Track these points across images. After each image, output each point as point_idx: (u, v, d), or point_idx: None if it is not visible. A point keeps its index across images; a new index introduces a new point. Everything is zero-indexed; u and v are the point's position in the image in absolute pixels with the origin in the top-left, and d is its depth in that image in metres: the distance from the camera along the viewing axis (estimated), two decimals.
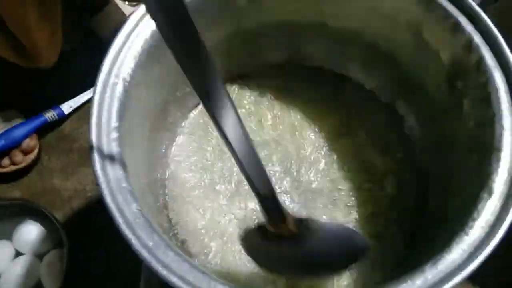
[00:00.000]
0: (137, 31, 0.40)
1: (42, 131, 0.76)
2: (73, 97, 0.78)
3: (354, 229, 0.49)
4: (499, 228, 0.31)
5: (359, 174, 0.53)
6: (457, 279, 0.29)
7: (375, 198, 0.51)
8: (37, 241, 0.64)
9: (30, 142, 0.73)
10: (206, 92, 0.32)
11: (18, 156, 0.72)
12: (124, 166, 0.35)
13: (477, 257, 0.30)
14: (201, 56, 0.30)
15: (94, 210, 0.72)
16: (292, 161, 0.54)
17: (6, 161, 0.72)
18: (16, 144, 0.71)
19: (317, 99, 0.57)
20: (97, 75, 0.38)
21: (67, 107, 0.77)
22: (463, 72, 0.41)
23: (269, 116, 0.56)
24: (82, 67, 0.81)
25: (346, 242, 0.41)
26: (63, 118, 0.77)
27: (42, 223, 0.65)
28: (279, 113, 0.57)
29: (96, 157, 0.34)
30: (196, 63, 0.30)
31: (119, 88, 0.38)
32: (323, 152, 0.54)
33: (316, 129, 0.56)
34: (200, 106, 0.57)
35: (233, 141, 0.33)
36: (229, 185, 0.53)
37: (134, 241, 0.31)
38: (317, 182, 0.52)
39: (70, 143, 0.78)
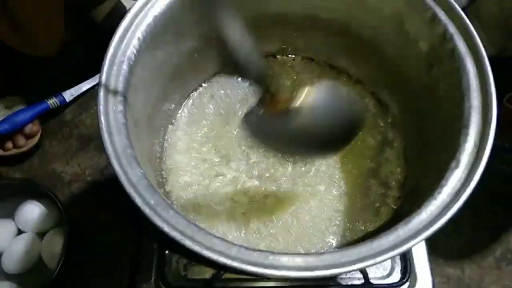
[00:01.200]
0: (140, 16, 0.44)
1: (44, 117, 0.79)
2: (75, 85, 0.82)
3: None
4: (463, 194, 0.35)
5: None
6: (424, 235, 0.33)
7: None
8: (39, 220, 0.66)
9: (33, 127, 0.76)
10: None
11: (20, 140, 0.75)
12: (128, 135, 0.38)
13: (442, 217, 0.34)
14: None
15: (93, 193, 0.75)
16: None
17: (9, 144, 0.74)
18: (19, 129, 0.74)
19: None
20: (99, 63, 0.41)
21: (69, 95, 0.80)
22: (439, 59, 0.45)
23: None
24: (84, 57, 0.85)
25: (344, 113, 0.43)
26: (64, 105, 0.80)
27: (43, 203, 0.67)
28: None
29: (103, 126, 0.37)
30: None
31: (124, 67, 0.42)
32: None
33: None
34: (195, 95, 0.61)
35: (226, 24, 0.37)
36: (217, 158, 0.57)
37: (137, 199, 0.34)
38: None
39: (71, 129, 0.81)
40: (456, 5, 0.43)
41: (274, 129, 0.43)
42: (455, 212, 0.34)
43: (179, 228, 0.34)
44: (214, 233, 0.34)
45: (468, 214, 0.73)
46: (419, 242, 0.33)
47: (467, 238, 0.71)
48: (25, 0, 0.60)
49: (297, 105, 0.41)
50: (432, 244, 0.68)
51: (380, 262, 0.32)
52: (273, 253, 0.33)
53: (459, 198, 0.34)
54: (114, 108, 0.39)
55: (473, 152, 0.37)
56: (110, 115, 0.39)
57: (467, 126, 0.38)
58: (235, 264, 0.32)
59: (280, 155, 0.54)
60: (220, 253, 0.33)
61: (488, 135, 0.37)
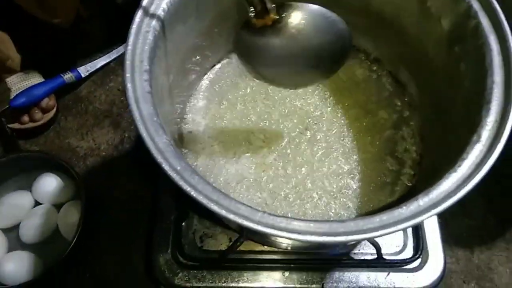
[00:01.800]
0: None
1: (60, 92, 0.80)
2: (91, 61, 0.82)
3: None
4: (484, 167, 0.35)
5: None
6: (444, 205, 0.33)
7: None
8: (55, 192, 0.68)
9: (49, 102, 0.77)
10: None
11: (37, 114, 0.76)
12: (154, 103, 0.39)
13: (462, 188, 0.34)
14: None
15: (108, 167, 0.76)
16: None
17: (25, 118, 0.75)
18: (36, 103, 0.75)
19: None
20: (119, 39, 0.41)
21: (84, 70, 0.81)
22: (462, 37, 0.45)
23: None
24: (100, 33, 0.86)
25: (329, 29, 0.44)
26: (80, 80, 0.81)
27: (60, 176, 0.69)
28: None
29: (131, 93, 0.38)
30: None
31: (150, 36, 0.42)
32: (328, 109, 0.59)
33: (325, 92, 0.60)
34: (213, 72, 0.62)
35: None
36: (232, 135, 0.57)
37: (165, 165, 0.35)
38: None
39: (86, 105, 0.82)
40: None
41: (264, 48, 0.44)
42: (475, 184, 0.34)
43: (205, 193, 0.34)
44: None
45: (478, 197, 0.74)
46: (439, 212, 0.33)
47: (478, 222, 0.72)
48: None
49: (285, 18, 0.43)
50: (443, 225, 0.69)
51: (401, 230, 0.33)
52: (296, 219, 0.33)
53: (479, 171, 0.35)
54: (140, 76, 0.40)
55: (494, 127, 0.37)
56: (137, 83, 0.39)
57: (489, 102, 0.38)
58: (259, 227, 0.33)
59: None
60: (245, 217, 0.33)
61: (510, 111, 0.37)
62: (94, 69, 0.82)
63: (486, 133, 0.37)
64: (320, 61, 0.45)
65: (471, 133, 0.38)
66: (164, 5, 0.44)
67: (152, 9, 0.44)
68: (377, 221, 0.33)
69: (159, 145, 0.36)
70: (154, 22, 0.43)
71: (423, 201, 0.34)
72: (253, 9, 0.42)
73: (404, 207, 0.34)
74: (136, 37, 0.41)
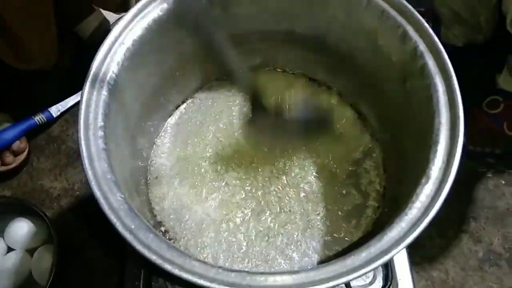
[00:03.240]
0: (120, 40, 0.45)
1: (32, 133, 0.80)
2: (61, 100, 0.82)
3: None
4: (432, 209, 0.36)
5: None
6: (394, 252, 0.34)
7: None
8: (28, 237, 0.67)
9: (20, 144, 0.77)
10: None
11: (8, 157, 0.76)
12: (109, 159, 0.39)
13: (412, 233, 0.35)
14: None
15: (82, 207, 0.76)
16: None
17: None
18: (7, 146, 0.75)
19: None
20: (84, 79, 0.42)
21: (55, 110, 0.81)
22: (411, 74, 0.46)
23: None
24: (69, 72, 0.86)
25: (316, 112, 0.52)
26: (51, 120, 0.81)
27: (32, 220, 0.68)
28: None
29: (84, 152, 0.38)
30: None
31: (104, 92, 0.43)
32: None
33: None
34: (178, 113, 0.62)
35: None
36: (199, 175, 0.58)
37: (118, 225, 0.35)
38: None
39: (59, 144, 0.82)
40: (426, 24, 0.44)
41: (265, 129, 0.53)
42: (424, 228, 0.35)
43: (159, 251, 0.35)
44: (192, 255, 0.35)
45: (451, 217, 0.75)
46: (389, 259, 0.34)
47: (451, 241, 0.73)
48: (17, 13, 0.61)
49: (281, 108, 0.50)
50: (416, 247, 0.70)
51: (353, 279, 0.33)
52: (249, 273, 0.34)
53: (428, 213, 0.36)
54: (94, 133, 0.40)
55: (442, 168, 0.38)
56: (91, 141, 0.40)
57: (436, 143, 0.39)
58: (214, 285, 0.33)
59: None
60: (200, 275, 0.34)
61: (455, 152, 0.38)
62: (65, 108, 0.82)
63: (434, 173, 0.38)
64: (309, 133, 0.54)
65: (422, 173, 0.39)
66: (119, 57, 0.45)
67: (106, 62, 0.44)
68: (330, 271, 0.34)
69: (113, 204, 0.37)
70: (108, 76, 0.44)
71: (374, 248, 0.35)
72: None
73: (357, 254, 0.35)
74: (89, 93, 0.42)
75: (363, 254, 0.35)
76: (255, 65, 0.64)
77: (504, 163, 0.79)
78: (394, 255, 0.34)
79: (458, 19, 0.74)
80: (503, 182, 0.78)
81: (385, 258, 0.34)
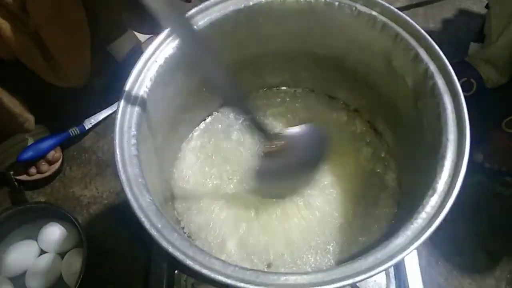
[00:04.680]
0: (153, 58, 0.49)
1: (65, 144, 0.85)
2: (93, 114, 0.88)
3: None
4: (437, 219, 0.38)
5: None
6: (399, 257, 0.37)
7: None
8: (59, 240, 0.71)
9: (55, 154, 0.83)
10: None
11: (44, 166, 0.81)
12: (140, 165, 0.43)
13: (416, 241, 0.37)
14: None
15: (110, 214, 0.81)
16: None
17: (33, 170, 0.81)
18: (42, 156, 0.80)
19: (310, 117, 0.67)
20: (119, 93, 0.47)
21: (88, 123, 0.87)
22: (422, 94, 0.49)
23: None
24: (102, 88, 0.92)
25: (317, 142, 0.55)
26: (84, 133, 0.87)
27: (63, 225, 0.73)
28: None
29: (118, 157, 0.42)
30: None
31: (138, 104, 0.47)
32: None
33: None
34: (203, 125, 0.66)
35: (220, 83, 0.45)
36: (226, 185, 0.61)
37: (146, 223, 0.39)
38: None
39: (89, 155, 0.87)
40: (436, 46, 0.47)
41: (273, 168, 0.53)
42: (428, 236, 0.37)
43: (182, 249, 0.38)
44: (214, 254, 0.38)
45: (469, 235, 0.76)
46: (395, 263, 0.37)
47: (468, 258, 0.74)
48: (57, 35, 0.66)
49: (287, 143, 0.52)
50: (433, 263, 0.71)
51: (359, 281, 0.36)
52: (264, 272, 0.37)
53: (432, 223, 0.38)
54: (128, 141, 0.44)
55: (448, 181, 0.41)
56: (125, 147, 0.44)
57: (443, 158, 0.42)
58: (230, 281, 0.36)
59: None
60: (218, 272, 0.37)
61: (461, 166, 0.41)
62: (97, 121, 0.88)
63: (440, 186, 0.41)
64: (308, 163, 0.55)
65: (429, 185, 0.41)
66: (152, 73, 0.49)
67: (140, 78, 0.48)
68: (338, 273, 0.37)
69: (142, 204, 0.40)
70: (142, 90, 0.48)
71: (380, 253, 0.37)
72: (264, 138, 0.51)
73: (363, 259, 0.37)
74: (125, 105, 0.46)
75: (369, 259, 0.37)
76: (277, 83, 0.67)
77: None
78: (399, 260, 0.36)
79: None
80: None
81: (390, 263, 0.36)
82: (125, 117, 0.45)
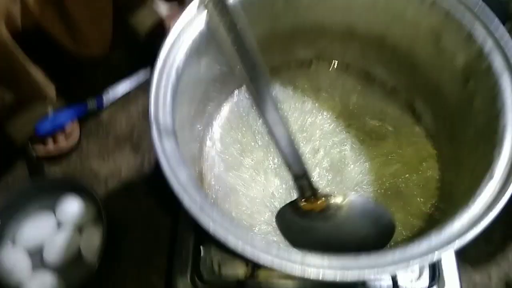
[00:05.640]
0: (186, 30, 0.46)
1: (83, 118, 0.83)
2: (112, 89, 0.85)
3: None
4: (495, 206, 0.36)
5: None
6: (455, 245, 0.34)
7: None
8: (78, 214, 0.70)
9: (73, 128, 0.81)
10: (252, 79, 0.40)
11: (61, 139, 0.79)
12: (176, 137, 0.41)
13: (473, 229, 0.35)
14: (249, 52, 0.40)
15: (128, 190, 0.79)
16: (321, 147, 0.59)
17: (50, 143, 0.79)
18: (60, 129, 0.79)
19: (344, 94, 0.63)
20: (139, 68, 0.43)
21: (106, 98, 0.84)
22: (475, 74, 0.46)
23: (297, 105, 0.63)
24: (122, 62, 0.89)
25: (374, 222, 0.45)
26: (102, 107, 0.84)
27: (82, 198, 0.71)
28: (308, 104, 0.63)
29: (154, 130, 0.40)
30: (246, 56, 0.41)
31: (172, 76, 0.44)
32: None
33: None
34: (234, 98, 0.63)
35: (272, 125, 0.41)
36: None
37: (186, 199, 0.37)
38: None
39: (107, 130, 0.85)
40: (496, 18, 0.44)
41: (306, 230, 0.46)
42: (486, 225, 0.35)
43: (223, 225, 0.36)
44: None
45: (499, 222, 0.73)
46: (449, 251, 0.34)
47: (496, 246, 0.72)
48: (80, 3, 0.64)
49: (333, 207, 0.45)
50: (461, 250, 0.69)
51: (410, 268, 0.34)
52: (309, 254, 0.35)
53: (491, 210, 0.36)
54: (163, 114, 0.42)
55: (508, 165, 0.38)
56: (160, 119, 0.41)
57: (501, 141, 0.39)
58: (275, 261, 0.34)
59: None
60: (261, 249, 0.35)
61: None
62: (116, 95, 0.85)
63: (499, 171, 0.38)
64: (358, 250, 0.43)
65: (485, 170, 0.39)
66: (185, 46, 0.46)
67: (174, 51, 0.45)
68: (389, 259, 0.34)
69: (180, 178, 0.38)
70: (176, 63, 0.45)
71: (435, 239, 0.35)
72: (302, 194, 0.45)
73: (416, 245, 0.35)
74: (159, 76, 0.43)
75: (422, 245, 0.35)
76: (310, 57, 0.64)
77: None
78: (454, 249, 0.34)
79: None
80: None
81: (444, 251, 0.34)
82: (159, 89, 0.43)
